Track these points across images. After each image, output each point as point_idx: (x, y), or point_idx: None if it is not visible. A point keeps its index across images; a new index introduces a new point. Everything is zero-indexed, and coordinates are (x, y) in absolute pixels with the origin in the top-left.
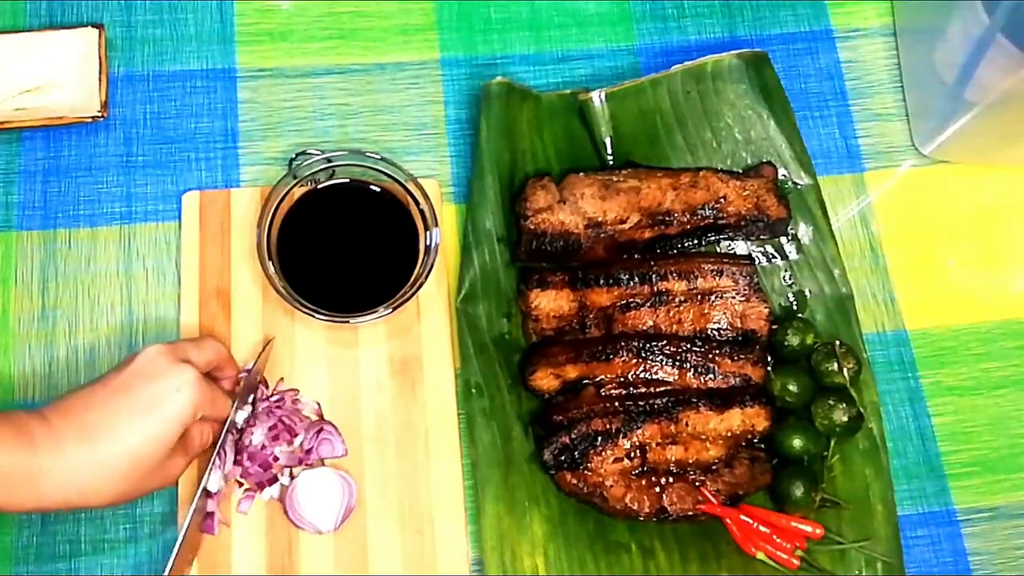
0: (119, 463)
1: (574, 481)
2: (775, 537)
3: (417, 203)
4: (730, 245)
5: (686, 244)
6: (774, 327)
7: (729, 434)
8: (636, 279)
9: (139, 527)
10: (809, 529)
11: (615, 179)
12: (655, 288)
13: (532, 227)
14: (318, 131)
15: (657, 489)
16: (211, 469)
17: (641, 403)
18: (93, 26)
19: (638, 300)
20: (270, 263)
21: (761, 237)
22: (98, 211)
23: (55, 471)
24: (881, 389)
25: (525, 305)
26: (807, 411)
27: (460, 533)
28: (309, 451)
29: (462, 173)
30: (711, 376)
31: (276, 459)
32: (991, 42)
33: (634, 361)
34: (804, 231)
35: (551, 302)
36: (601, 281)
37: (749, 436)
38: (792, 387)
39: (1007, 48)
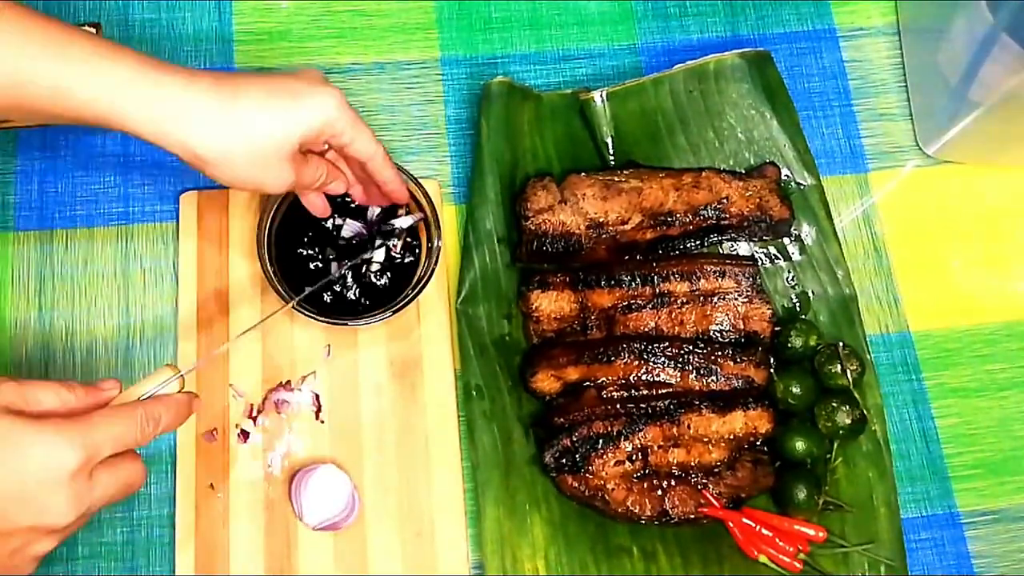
0: (236, 126)
1: (575, 484)
2: (777, 540)
3: (419, 205)
4: (733, 246)
5: (688, 245)
6: (777, 329)
7: (731, 436)
8: (638, 280)
9: (136, 531)
10: (812, 532)
11: (617, 179)
12: (657, 289)
13: (533, 228)
14: None
15: (659, 492)
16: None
17: (643, 405)
18: (90, 25)
19: (640, 301)
20: (269, 264)
21: (764, 238)
22: (95, 211)
23: (177, 101)
24: (885, 391)
25: (526, 306)
26: (810, 413)
27: (460, 536)
28: None
29: (462, 173)
30: (713, 378)
31: None
32: (995, 41)
33: (636, 363)
34: (807, 232)
35: (552, 303)
36: (602, 282)
37: (751, 438)
38: (795, 389)
39: (1011, 47)
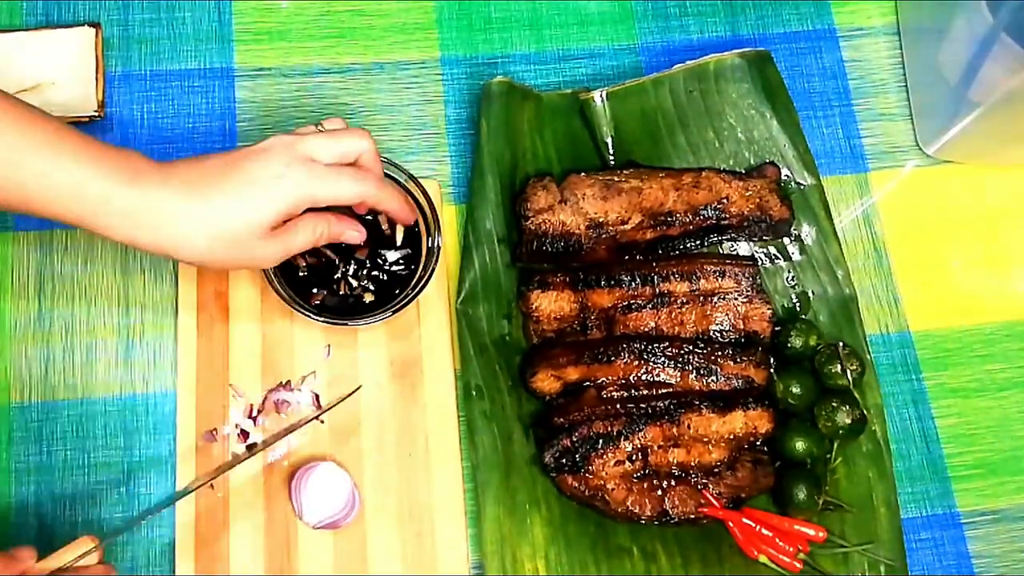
0: (210, 224)
1: (575, 484)
2: (777, 540)
3: (419, 205)
4: (733, 246)
5: (688, 245)
6: (777, 329)
7: (731, 436)
8: (638, 280)
9: (136, 531)
10: (812, 532)
11: (616, 179)
12: (657, 289)
13: (533, 228)
14: None
15: (659, 492)
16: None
17: (643, 405)
18: (90, 25)
19: (640, 301)
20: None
21: (764, 238)
22: None
23: (152, 211)
24: (885, 391)
25: (526, 306)
26: (810, 413)
27: (460, 536)
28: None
29: (462, 173)
30: (713, 378)
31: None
32: (995, 41)
33: (636, 363)
34: (807, 232)
35: (552, 303)
36: (602, 282)
37: (751, 438)
38: (795, 389)
39: (1011, 47)
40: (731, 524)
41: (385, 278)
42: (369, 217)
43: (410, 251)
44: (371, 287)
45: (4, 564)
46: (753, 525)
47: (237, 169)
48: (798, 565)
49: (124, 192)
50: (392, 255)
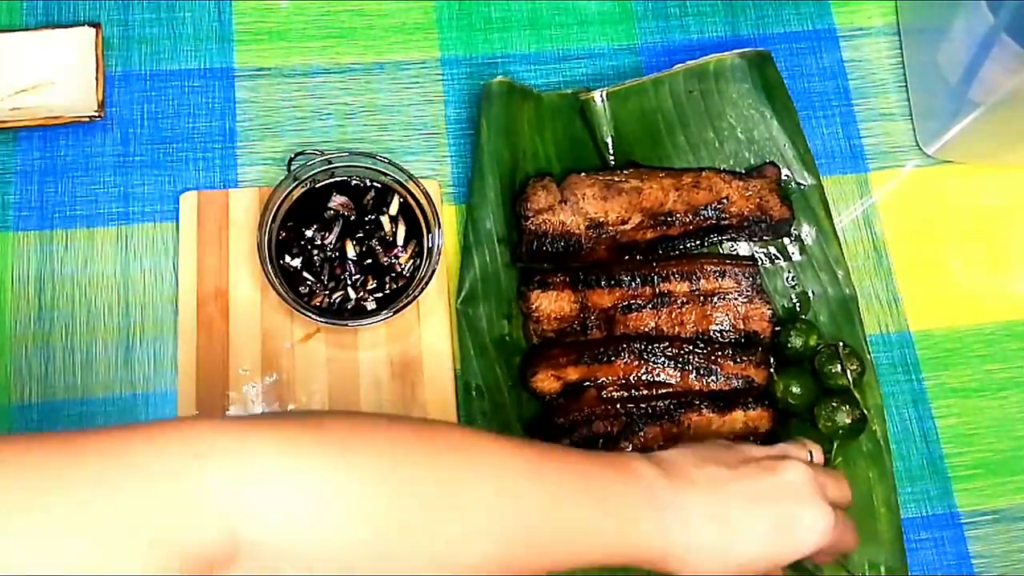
0: (730, 557)
1: None
2: None
3: (419, 205)
4: (733, 246)
5: (688, 245)
6: (777, 329)
7: (731, 437)
8: (638, 280)
9: None
10: None
11: (616, 179)
12: (657, 289)
13: (533, 228)
14: (317, 131)
15: None
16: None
17: (643, 405)
18: (90, 25)
19: (640, 301)
20: (270, 265)
21: (764, 238)
22: (95, 211)
23: (675, 515)
24: (885, 391)
25: (526, 306)
26: (810, 413)
27: None
28: None
29: (462, 173)
30: (713, 378)
31: None
32: (996, 41)
33: (636, 363)
34: (807, 232)
35: (552, 303)
36: (602, 282)
37: (752, 439)
38: (795, 389)
39: (1012, 47)
40: None
41: (388, 292)
42: (369, 217)
43: (414, 258)
44: (372, 297)
45: None
46: None
47: (768, 507)
48: None
49: (662, 488)
50: (398, 260)
